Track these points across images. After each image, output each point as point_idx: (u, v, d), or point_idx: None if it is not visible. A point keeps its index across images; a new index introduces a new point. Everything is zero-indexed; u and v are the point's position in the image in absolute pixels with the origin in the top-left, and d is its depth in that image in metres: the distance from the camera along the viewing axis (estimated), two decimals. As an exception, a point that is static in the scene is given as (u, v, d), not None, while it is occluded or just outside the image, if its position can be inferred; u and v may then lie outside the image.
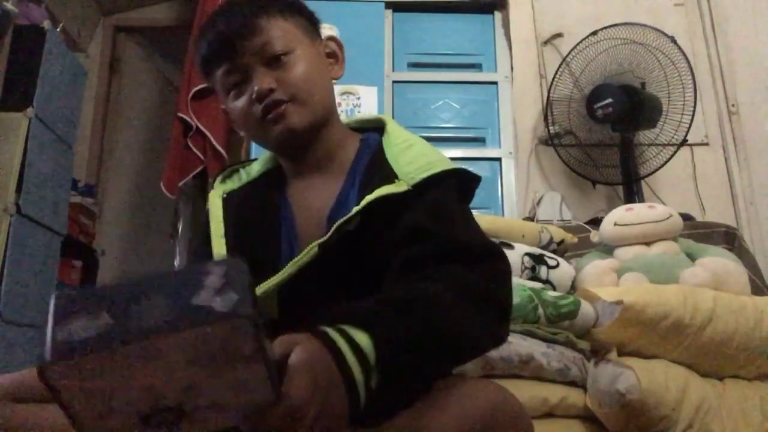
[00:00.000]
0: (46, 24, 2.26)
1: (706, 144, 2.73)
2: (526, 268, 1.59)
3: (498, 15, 2.85)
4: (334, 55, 0.93)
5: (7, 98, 2.14)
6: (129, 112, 3.46)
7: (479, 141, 2.66)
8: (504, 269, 0.75)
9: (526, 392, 1.33)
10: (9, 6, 2.12)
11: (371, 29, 2.66)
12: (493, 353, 1.33)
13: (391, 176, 0.80)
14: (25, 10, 2.25)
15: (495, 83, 2.73)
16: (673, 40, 2.39)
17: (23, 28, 2.22)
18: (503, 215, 2.48)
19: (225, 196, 0.93)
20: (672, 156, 2.38)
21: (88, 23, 3.23)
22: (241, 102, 0.84)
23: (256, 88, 0.81)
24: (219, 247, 0.87)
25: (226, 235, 0.88)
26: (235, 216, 0.90)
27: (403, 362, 0.57)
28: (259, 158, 0.98)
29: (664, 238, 1.69)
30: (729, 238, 1.95)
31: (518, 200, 2.56)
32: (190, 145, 2.67)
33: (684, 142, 2.38)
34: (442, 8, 2.83)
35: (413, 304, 0.62)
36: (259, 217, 0.89)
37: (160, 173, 2.74)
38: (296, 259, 0.77)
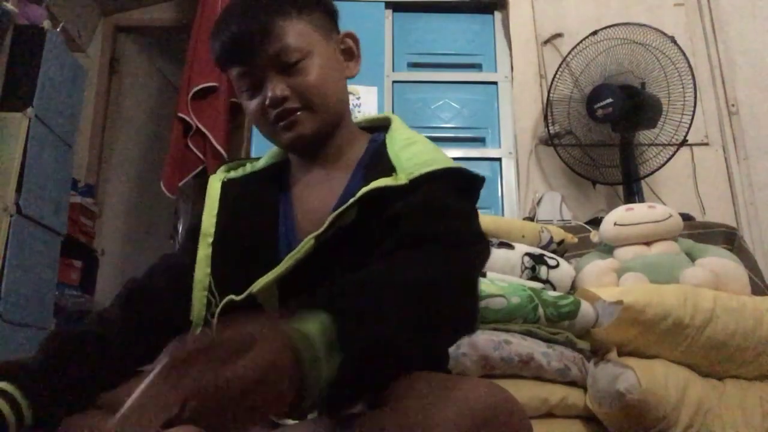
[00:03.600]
0: (46, 24, 2.26)
1: (706, 144, 2.73)
2: (526, 268, 1.59)
3: (498, 15, 2.86)
4: (349, 51, 0.91)
5: (7, 98, 2.14)
6: (129, 112, 3.46)
7: (479, 141, 2.66)
8: (484, 256, 0.76)
9: (526, 392, 1.33)
10: (9, 6, 2.12)
11: (371, 29, 2.66)
12: (494, 353, 1.33)
13: (390, 171, 0.81)
14: (25, 10, 2.25)
15: (495, 83, 2.74)
16: (673, 40, 2.39)
17: (23, 28, 2.22)
18: (503, 215, 2.48)
19: (225, 180, 0.93)
20: (672, 156, 2.38)
21: (88, 23, 3.23)
22: (255, 103, 0.84)
23: (269, 94, 0.81)
24: (208, 223, 0.87)
25: (219, 215, 0.88)
26: (232, 201, 0.90)
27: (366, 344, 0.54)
28: (267, 153, 0.97)
29: (664, 238, 1.69)
30: (729, 238, 1.95)
31: (518, 200, 2.56)
32: (190, 145, 2.67)
33: (684, 142, 2.38)
34: (442, 8, 2.83)
35: (379, 287, 0.60)
36: (257, 205, 0.89)
37: (160, 173, 2.73)
38: (293, 252, 0.77)
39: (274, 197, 0.89)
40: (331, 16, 0.89)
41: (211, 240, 0.86)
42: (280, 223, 0.86)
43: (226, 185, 0.92)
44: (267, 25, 0.80)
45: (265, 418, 0.51)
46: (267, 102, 0.82)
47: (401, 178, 0.78)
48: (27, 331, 2.10)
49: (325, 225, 0.77)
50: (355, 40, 0.92)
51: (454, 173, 0.81)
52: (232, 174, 0.94)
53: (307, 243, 0.77)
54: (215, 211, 0.88)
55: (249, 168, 0.95)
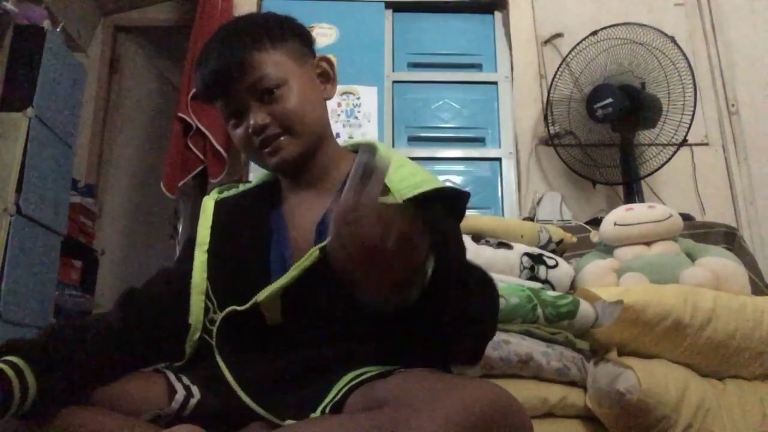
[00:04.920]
0: (46, 24, 2.26)
1: (706, 144, 2.73)
2: (524, 267, 1.59)
3: (498, 15, 2.86)
4: (325, 74, 0.95)
5: (7, 98, 2.14)
6: (129, 112, 3.46)
7: (479, 141, 2.66)
8: (496, 298, 0.79)
9: (525, 392, 1.33)
10: (9, 6, 2.12)
11: (371, 29, 2.66)
12: (493, 353, 1.33)
13: (384, 190, 0.84)
14: (25, 10, 2.25)
15: (495, 83, 2.74)
16: (673, 40, 2.39)
17: (23, 28, 2.22)
18: (503, 215, 2.48)
19: (219, 200, 0.98)
20: (672, 156, 2.38)
21: (88, 23, 3.23)
22: (240, 132, 0.88)
23: (251, 123, 0.86)
24: (204, 234, 0.92)
25: (213, 230, 0.92)
26: (225, 215, 0.95)
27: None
28: (257, 175, 1.02)
29: (664, 238, 1.69)
30: (729, 238, 1.95)
31: (518, 200, 2.55)
32: (190, 145, 2.66)
33: (684, 142, 2.38)
34: (442, 8, 2.83)
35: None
36: (249, 219, 0.93)
37: (160, 173, 2.73)
38: (299, 263, 0.80)
39: (265, 212, 0.93)
40: (305, 43, 0.93)
41: (206, 248, 0.91)
42: (273, 236, 0.90)
43: (220, 203, 0.97)
44: (243, 58, 0.85)
45: (400, 272, 0.61)
46: (250, 130, 0.86)
47: (394, 198, 0.84)
48: (27, 331, 2.10)
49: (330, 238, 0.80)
50: (330, 63, 0.96)
51: (442, 193, 0.88)
52: (225, 194, 0.99)
53: (312, 253, 0.80)
54: (209, 223, 0.93)
55: (241, 188, 1.01)
